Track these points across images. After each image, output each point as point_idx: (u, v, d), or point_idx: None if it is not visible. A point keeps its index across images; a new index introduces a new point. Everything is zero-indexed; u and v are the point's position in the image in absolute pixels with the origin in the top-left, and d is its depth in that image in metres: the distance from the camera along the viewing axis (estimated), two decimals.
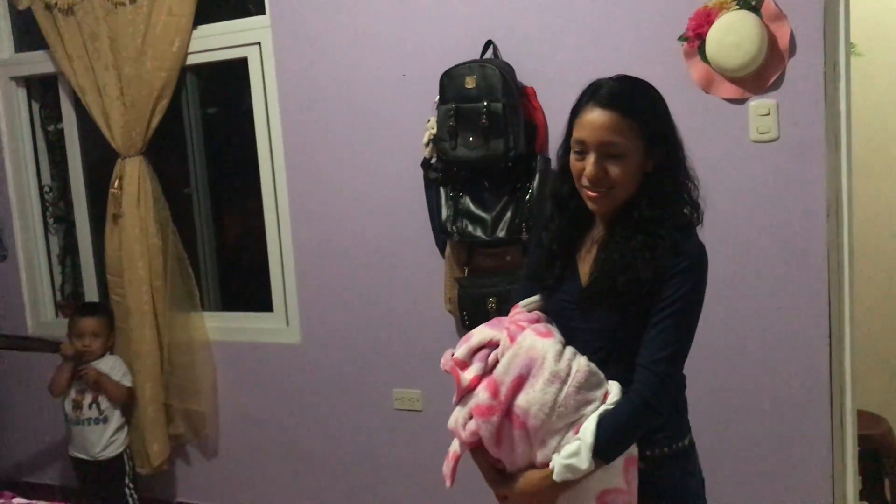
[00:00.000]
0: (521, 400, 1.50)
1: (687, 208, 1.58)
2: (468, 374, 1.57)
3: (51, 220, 3.72)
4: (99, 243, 3.47)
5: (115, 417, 3.18)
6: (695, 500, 1.67)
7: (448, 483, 1.65)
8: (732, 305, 2.46)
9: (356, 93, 2.91)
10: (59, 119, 3.57)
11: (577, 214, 1.63)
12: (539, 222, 1.78)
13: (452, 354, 1.62)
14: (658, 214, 1.52)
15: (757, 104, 2.39)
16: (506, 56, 2.65)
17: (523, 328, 1.57)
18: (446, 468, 1.65)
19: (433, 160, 2.72)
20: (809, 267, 2.39)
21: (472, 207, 2.65)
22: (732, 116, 2.43)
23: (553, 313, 1.66)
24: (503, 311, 1.74)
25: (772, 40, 2.33)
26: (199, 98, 3.39)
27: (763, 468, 2.52)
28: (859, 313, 2.51)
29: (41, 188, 3.69)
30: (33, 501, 2.34)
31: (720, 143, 2.44)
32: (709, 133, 2.44)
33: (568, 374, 1.49)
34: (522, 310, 1.68)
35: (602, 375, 1.53)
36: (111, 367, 3.17)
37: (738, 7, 2.34)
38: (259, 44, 3.07)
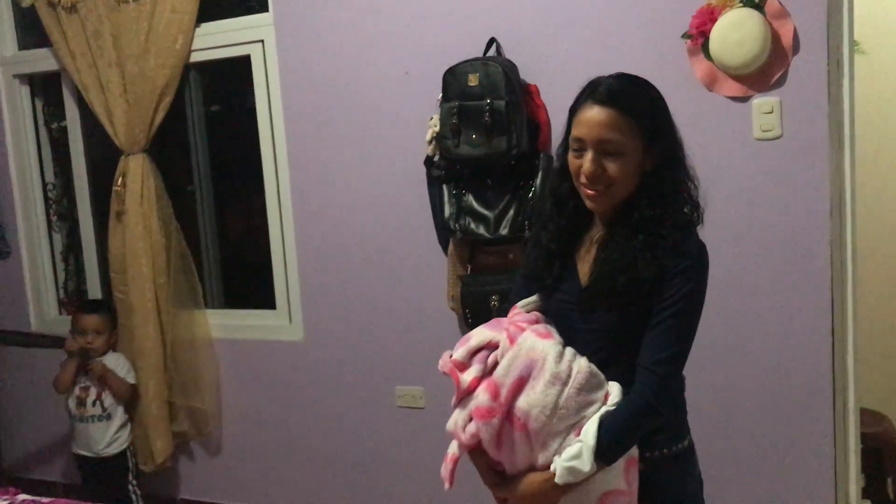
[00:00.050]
0: (522, 402, 1.49)
1: (687, 207, 1.56)
2: (467, 376, 1.55)
3: (54, 218, 3.72)
4: (102, 240, 3.48)
5: (119, 414, 3.19)
6: (693, 501, 1.66)
7: (447, 485, 1.64)
8: (735, 303, 2.47)
9: (359, 90, 2.91)
10: (63, 116, 3.57)
11: (576, 214, 1.62)
12: (538, 222, 1.77)
13: (451, 356, 1.60)
14: (658, 214, 1.51)
15: (760, 102, 2.39)
16: (509, 54, 2.65)
17: (523, 329, 1.56)
18: (444, 470, 1.64)
19: (436, 158, 2.72)
20: (812, 265, 2.39)
21: (475, 205, 2.65)
22: (736, 114, 2.42)
23: (551, 313, 1.65)
24: (505, 309, 1.73)
25: (775, 38, 2.33)
26: (202, 95, 3.39)
27: (765, 466, 2.52)
28: (862, 311, 2.51)
29: (44, 185, 3.69)
30: (37, 498, 2.35)
31: (723, 140, 2.44)
32: (712, 131, 2.44)
33: (569, 376, 1.48)
34: (521, 310, 1.67)
35: (602, 376, 1.52)
36: (114, 364, 3.18)
37: (741, 5, 2.34)
38: (262, 41, 3.07)
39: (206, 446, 3.39)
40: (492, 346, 1.58)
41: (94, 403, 3.14)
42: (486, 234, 2.62)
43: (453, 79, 2.58)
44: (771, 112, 2.38)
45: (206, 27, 3.14)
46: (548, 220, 1.67)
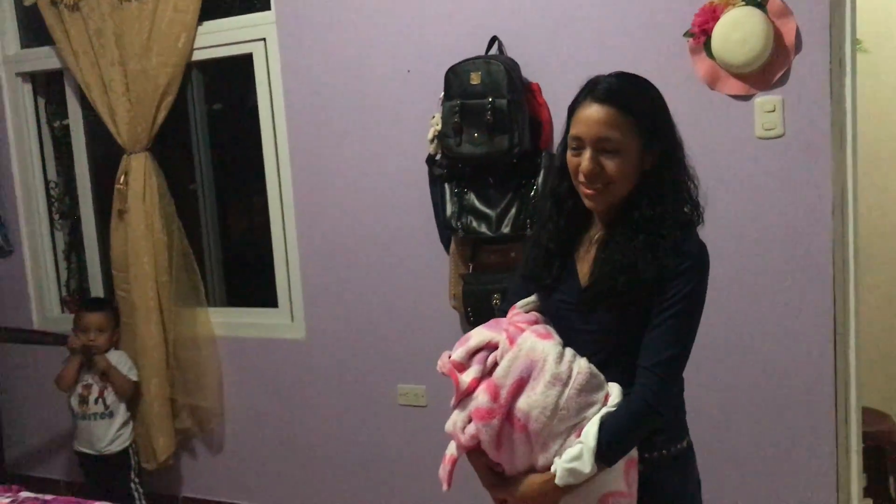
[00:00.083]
0: (522, 403, 1.48)
1: (687, 207, 1.56)
2: (466, 377, 1.54)
3: (56, 216, 3.73)
4: (104, 239, 3.48)
5: (121, 412, 3.19)
6: (692, 502, 1.65)
7: (445, 487, 1.64)
8: (737, 302, 2.46)
9: (361, 89, 2.91)
10: (65, 115, 3.58)
11: (575, 213, 1.62)
12: (537, 221, 1.76)
13: (449, 356, 1.59)
14: (659, 213, 1.50)
15: (762, 100, 2.39)
16: (511, 52, 2.65)
17: (522, 330, 1.55)
18: (443, 472, 1.64)
19: (438, 156, 2.72)
20: (814, 264, 2.39)
21: (477, 204, 2.65)
22: (738, 113, 2.42)
23: (550, 314, 1.64)
24: (504, 309, 1.72)
25: (777, 36, 2.33)
26: (204, 94, 3.39)
27: (767, 465, 2.52)
28: (864, 310, 2.51)
29: (47, 184, 3.70)
30: (40, 495, 2.36)
31: (725, 139, 2.44)
32: (714, 129, 2.44)
33: (569, 377, 1.48)
34: (520, 310, 1.66)
35: (602, 377, 1.51)
36: (116, 362, 3.18)
37: (743, 3, 2.33)
38: (264, 40, 3.08)
39: (208, 444, 3.40)
40: (491, 347, 1.57)
41: (96, 401, 3.15)
42: (488, 233, 2.62)
43: (455, 77, 2.58)
44: (773, 110, 2.38)
45: (209, 25, 3.15)
46: (547, 219, 1.66)
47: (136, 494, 3.21)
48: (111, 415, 3.16)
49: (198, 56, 3.17)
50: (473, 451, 1.58)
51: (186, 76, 3.21)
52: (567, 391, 1.47)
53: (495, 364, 1.54)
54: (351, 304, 3.04)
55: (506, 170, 2.60)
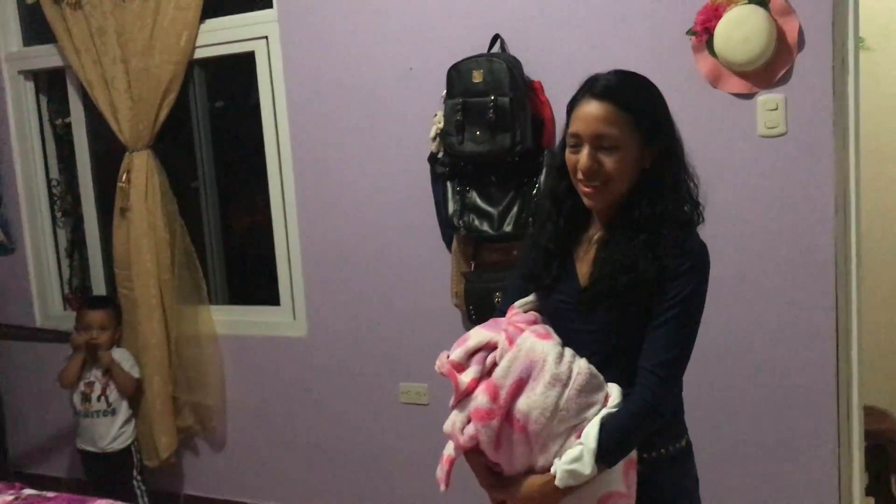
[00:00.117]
0: (522, 404, 1.48)
1: (687, 206, 1.55)
2: (466, 377, 1.53)
3: (58, 214, 3.73)
4: (106, 237, 3.48)
5: (123, 410, 3.20)
6: (690, 501, 1.65)
7: (442, 487, 1.64)
8: (739, 300, 2.46)
9: (363, 87, 2.91)
10: (67, 113, 3.58)
11: (574, 213, 1.61)
12: (536, 221, 1.75)
13: (448, 356, 1.58)
14: (659, 212, 1.49)
15: (765, 99, 2.39)
16: (513, 50, 2.65)
17: (522, 330, 1.54)
18: (440, 472, 1.64)
19: (440, 154, 2.72)
20: (817, 262, 2.39)
21: (479, 202, 2.65)
22: (740, 111, 2.42)
23: (549, 314, 1.63)
24: (502, 308, 1.71)
25: (780, 35, 2.33)
26: (206, 92, 3.39)
27: (769, 463, 2.52)
28: (866, 308, 2.51)
29: (49, 182, 3.70)
30: (43, 492, 2.36)
31: (728, 137, 2.43)
32: (716, 128, 2.43)
33: (569, 378, 1.47)
34: (519, 310, 1.65)
35: (602, 378, 1.51)
36: (119, 359, 3.19)
37: (746, 1, 2.33)
38: (266, 37, 3.08)
39: (210, 442, 3.40)
40: (490, 347, 1.56)
41: (98, 399, 3.15)
42: (490, 231, 2.62)
43: (457, 75, 2.58)
44: (775, 109, 2.38)
45: (211, 23, 3.14)
46: (546, 219, 1.65)
47: (138, 492, 3.21)
48: (113, 412, 3.17)
49: (200, 54, 3.17)
50: (472, 452, 1.57)
51: (188, 74, 3.21)
52: (567, 392, 1.46)
53: (494, 364, 1.54)
54: (353, 302, 3.04)
55: (508, 168, 2.60)
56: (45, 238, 3.69)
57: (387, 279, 2.97)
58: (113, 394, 3.17)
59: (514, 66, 2.54)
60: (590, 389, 1.48)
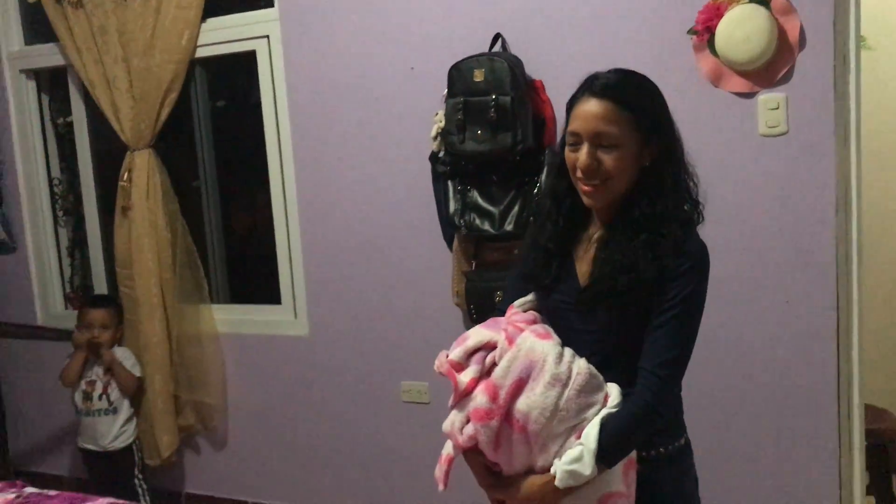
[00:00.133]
0: (521, 404, 1.47)
1: (687, 205, 1.55)
2: (465, 377, 1.53)
3: (60, 213, 3.73)
4: (108, 236, 3.49)
5: (125, 408, 3.21)
6: (689, 500, 1.65)
7: (441, 486, 1.64)
8: (740, 300, 2.46)
9: (364, 86, 2.91)
10: (69, 112, 3.58)
11: (574, 212, 1.61)
12: (535, 220, 1.74)
13: (447, 356, 1.58)
14: (659, 211, 1.49)
15: (766, 98, 2.39)
16: (514, 49, 2.65)
17: (521, 330, 1.54)
18: (439, 471, 1.63)
19: (441, 153, 2.72)
20: (818, 261, 2.39)
21: (480, 201, 2.65)
22: (741, 110, 2.42)
23: (549, 313, 1.63)
24: (501, 308, 1.71)
25: (781, 34, 2.32)
26: (207, 91, 3.39)
27: (770, 462, 2.52)
28: (867, 308, 2.51)
29: (50, 181, 3.70)
30: (44, 491, 2.36)
31: (729, 137, 2.43)
32: (717, 127, 2.43)
33: (569, 378, 1.46)
34: (518, 309, 1.64)
35: (601, 378, 1.50)
36: (120, 358, 3.20)
37: (747, 0, 2.33)
38: (267, 37, 3.08)
39: (211, 441, 3.41)
40: (489, 347, 1.55)
41: (100, 397, 3.16)
42: (491, 230, 2.62)
43: (459, 74, 2.58)
44: (777, 108, 2.37)
45: (212, 22, 3.15)
46: (545, 218, 1.65)
47: (139, 491, 3.22)
48: (115, 411, 3.17)
49: (201, 53, 3.17)
50: (470, 451, 1.57)
51: (190, 73, 3.21)
52: (567, 392, 1.46)
53: (494, 364, 1.53)
54: (354, 301, 3.05)
55: (509, 167, 2.60)
56: (46, 237, 3.69)
57: (388, 278, 2.97)
58: (114, 392, 3.17)
59: (515, 65, 2.54)
60: (589, 390, 1.47)
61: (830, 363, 2.41)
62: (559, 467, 1.45)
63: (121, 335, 3.28)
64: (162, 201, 3.23)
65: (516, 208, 2.59)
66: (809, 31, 2.32)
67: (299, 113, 3.05)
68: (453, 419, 1.57)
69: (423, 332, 2.92)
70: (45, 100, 3.67)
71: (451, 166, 2.70)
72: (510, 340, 1.53)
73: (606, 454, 1.44)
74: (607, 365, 1.52)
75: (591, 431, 1.44)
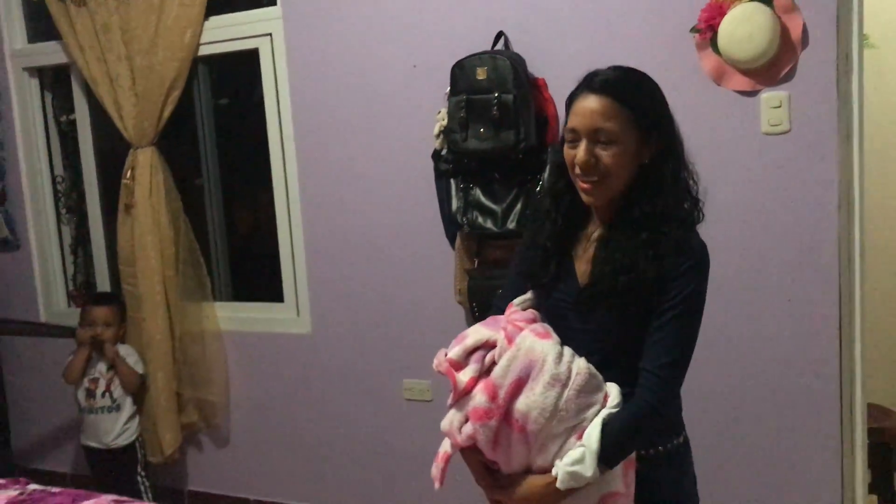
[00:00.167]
0: (521, 404, 1.46)
1: (687, 203, 1.54)
2: (464, 376, 1.52)
3: (63, 211, 3.74)
4: (111, 233, 3.49)
5: (128, 406, 3.21)
6: (688, 498, 1.65)
7: (437, 485, 1.63)
8: (742, 298, 2.46)
9: (367, 84, 2.91)
10: (72, 109, 3.58)
11: (573, 210, 1.60)
12: (535, 219, 1.73)
13: (446, 354, 1.57)
14: (660, 210, 1.48)
15: (769, 96, 2.38)
16: (517, 47, 2.65)
17: (521, 329, 1.53)
18: (435, 470, 1.62)
19: (444, 151, 2.72)
20: (820, 260, 2.39)
21: (483, 199, 2.65)
22: (744, 108, 2.42)
23: (547, 312, 1.62)
24: (498, 306, 1.70)
25: (784, 32, 2.32)
26: (210, 89, 3.40)
27: (772, 461, 2.52)
28: (870, 307, 2.50)
29: (53, 178, 3.71)
30: (48, 488, 2.37)
31: (731, 135, 2.43)
32: (720, 125, 2.43)
33: (568, 378, 1.45)
34: (517, 308, 1.63)
35: (601, 378, 1.50)
36: (123, 355, 3.20)
37: None
38: (270, 35, 3.08)
39: (214, 438, 3.41)
40: (489, 346, 1.55)
41: (103, 395, 3.16)
42: (494, 228, 2.62)
43: (461, 72, 2.58)
44: (779, 106, 2.37)
45: (215, 20, 3.15)
46: (545, 217, 1.64)
47: (142, 488, 3.22)
48: (118, 408, 3.18)
49: (204, 51, 3.17)
50: (468, 449, 1.57)
51: (193, 71, 3.21)
52: (566, 392, 1.45)
53: (493, 363, 1.52)
54: (356, 298, 3.05)
55: (511, 165, 2.60)
56: (49, 234, 3.70)
57: (390, 276, 2.98)
58: (117, 390, 3.18)
59: (517, 63, 2.54)
60: (589, 390, 1.47)
61: (833, 362, 2.41)
62: (560, 468, 1.44)
63: (124, 332, 3.29)
64: (165, 199, 3.24)
65: (519, 206, 2.59)
66: (812, 29, 2.32)
67: (302, 111, 3.05)
68: (452, 418, 1.56)
69: (425, 330, 2.93)
70: (49, 97, 3.67)
71: (453, 164, 2.70)
72: (509, 339, 1.52)
73: (608, 455, 1.43)
74: (607, 364, 1.51)
75: (593, 432, 1.43)
